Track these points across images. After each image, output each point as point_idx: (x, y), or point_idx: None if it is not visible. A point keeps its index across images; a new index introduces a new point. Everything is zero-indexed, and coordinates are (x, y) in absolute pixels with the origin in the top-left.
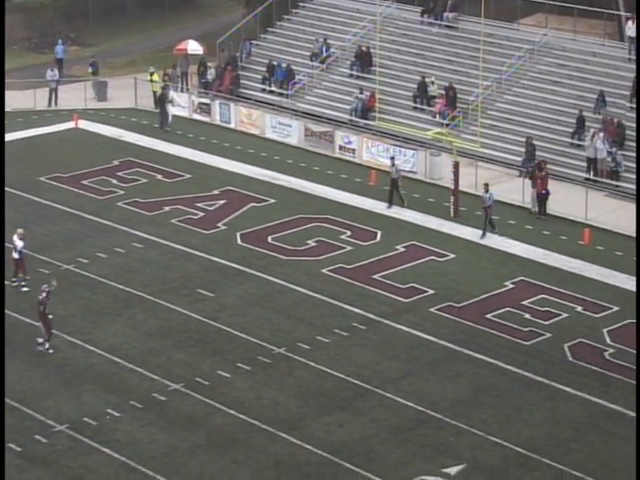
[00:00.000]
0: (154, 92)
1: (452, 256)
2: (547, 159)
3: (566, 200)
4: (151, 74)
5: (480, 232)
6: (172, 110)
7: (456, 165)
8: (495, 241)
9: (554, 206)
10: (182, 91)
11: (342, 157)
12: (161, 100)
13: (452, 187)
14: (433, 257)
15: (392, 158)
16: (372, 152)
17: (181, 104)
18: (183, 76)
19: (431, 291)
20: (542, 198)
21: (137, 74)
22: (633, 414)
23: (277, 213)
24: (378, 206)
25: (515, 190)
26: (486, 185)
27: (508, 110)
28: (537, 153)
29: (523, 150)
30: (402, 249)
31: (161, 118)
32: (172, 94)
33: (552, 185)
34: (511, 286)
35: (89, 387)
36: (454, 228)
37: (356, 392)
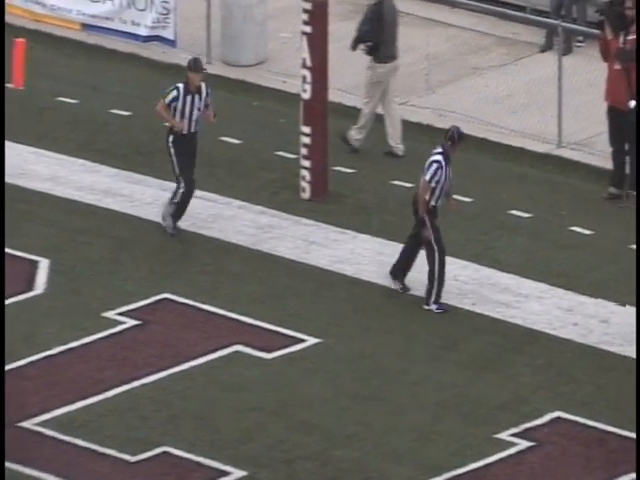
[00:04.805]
0: None
1: (311, 341)
2: None
3: None
4: None
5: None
6: None
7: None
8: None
9: None
10: None
11: None
12: None
13: (305, 95)
14: (240, 348)
15: None
16: None
17: None
18: None
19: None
20: None
21: None
22: None
23: None
24: (42, 172)
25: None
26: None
27: None
28: None
29: None
30: (131, 322)
31: None
32: None
33: None
34: None
35: None
36: (312, 237)
37: None
